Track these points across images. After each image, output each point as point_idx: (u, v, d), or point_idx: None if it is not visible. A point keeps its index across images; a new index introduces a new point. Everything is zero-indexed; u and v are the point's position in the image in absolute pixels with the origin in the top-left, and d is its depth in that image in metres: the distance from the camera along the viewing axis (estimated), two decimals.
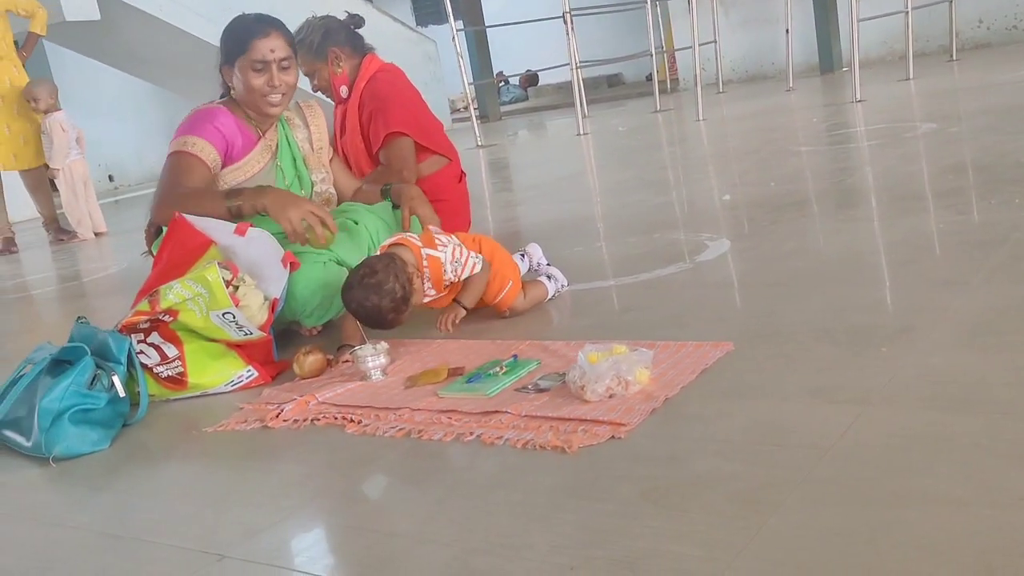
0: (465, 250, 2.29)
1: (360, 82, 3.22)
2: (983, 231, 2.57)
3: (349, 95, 3.23)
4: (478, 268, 2.28)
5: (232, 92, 2.68)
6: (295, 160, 2.78)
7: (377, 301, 2.15)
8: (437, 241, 2.27)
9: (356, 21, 3.31)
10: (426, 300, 2.29)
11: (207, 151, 2.58)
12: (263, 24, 2.62)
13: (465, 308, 2.29)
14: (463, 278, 2.28)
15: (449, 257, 2.25)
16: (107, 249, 5.83)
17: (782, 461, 1.39)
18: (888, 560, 1.11)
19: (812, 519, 1.22)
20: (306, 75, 3.24)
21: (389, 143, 3.14)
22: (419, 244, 2.25)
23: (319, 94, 3.31)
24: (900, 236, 2.70)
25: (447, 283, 2.27)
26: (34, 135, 6.22)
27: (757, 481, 1.34)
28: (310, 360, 2.18)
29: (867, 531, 1.17)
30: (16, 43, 6.30)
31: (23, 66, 6.27)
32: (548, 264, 2.63)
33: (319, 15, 3.29)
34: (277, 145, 2.75)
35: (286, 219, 2.38)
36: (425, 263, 2.23)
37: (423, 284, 2.25)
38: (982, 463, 1.29)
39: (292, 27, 3.24)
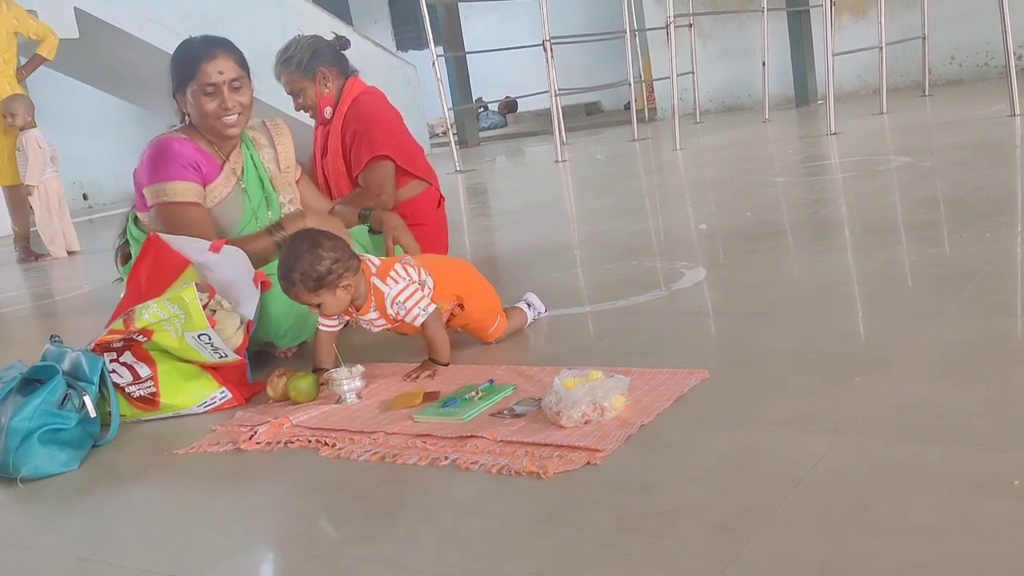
0: (418, 296, 2.19)
1: (343, 104, 3.22)
2: (955, 264, 2.61)
3: (333, 116, 3.23)
4: (419, 320, 2.19)
5: (188, 119, 2.62)
6: (262, 182, 2.72)
7: (304, 250, 2.08)
8: (393, 275, 2.19)
9: (343, 43, 3.32)
10: (377, 328, 2.27)
11: (191, 191, 2.53)
12: (210, 46, 2.55)
13: (443, 364, 2.20)
14: (405, 320, 2.20)
15: (394, 294, 2.17)
16: (80, 268, 5.77)
17: (757, 489, 1.39)
18: None
19: (786, 547, 1.22)
20: (290, 93, 3.24)
21: (370, 166, 3.14)
22: (372, 270, 2.21)
23: (302, 113, 3.30)
24: (874, 267, 2.73)
25: (392, 317, 2.21)
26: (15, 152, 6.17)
27: (732, 509, 1.34)
28: (283, 382, 2.16)
29: (841, 560, 1.17)
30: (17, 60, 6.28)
31: (20, 85, 6.23)
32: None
33: (307, 34, 3.30)
34: (243, 168, 2.69)
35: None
36: (372, 291, 2.19)
37: (362, 301, 2.19)
38: (955, 493, 1.30)
39: (278, 46, 3.25)
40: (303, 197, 2.83)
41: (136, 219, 2.70)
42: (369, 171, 3.15)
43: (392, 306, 2.18)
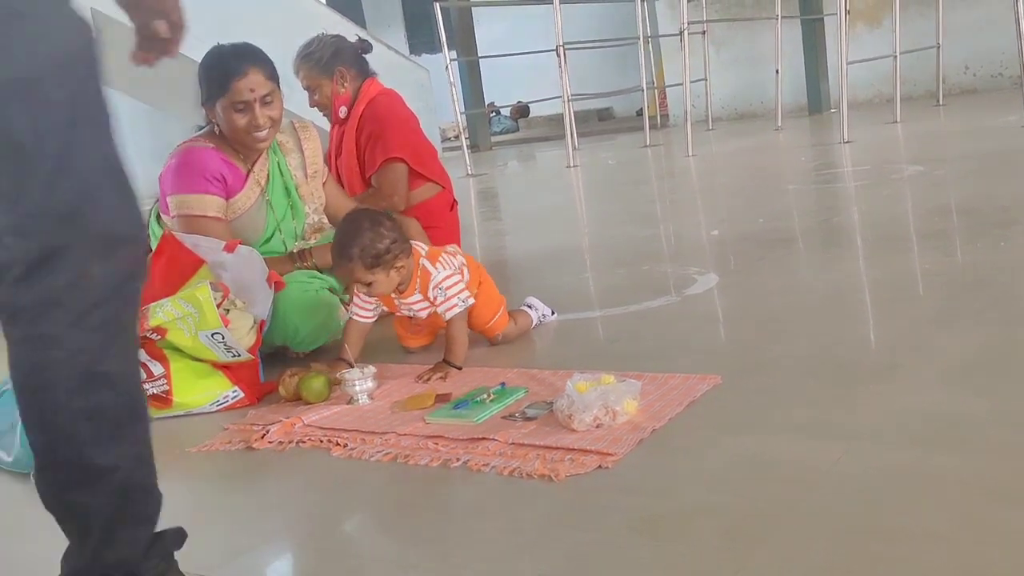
0: (460, 287, 2.24)
1: (360, 105, 3.23)
2: (968, 273, 2.60)
3: (348, 116, 3.25)
4: (456, 310, 2.22)
5: (216, 129, 2.62)
6: (288, 191, 2.72)
7: (365, 227, 2.13)
8: (442, 260, 2.27)
9: (364, 46, 3.35)
10: (419, 312, 2.28)
11: (213, 205, 2.55)
12: (240, 62, 2.52)
13: (457, 368, 2.21)
14: (439, 308, 2.23)
15: (440, 279, 2.23)
16: None
17: (769, 494, 1.39)
18: None
19: (799, 553, 1.22)
20: (306, 88, 3.26)
21: (384, 168, 3.15)
22: (421, 252, 2.26)
23: (315, 110, 3.32)
24: (886, 275, 2.72)
25: (431, 301, 2.25)
26: None
27: (744, 514, 1.34)
28: (295, 382, 2.17)
29: (853, 566, 1.17)
30: None
31: None
32: None
33: (330, 33, 3.33)
34: (268, 177, 2.68)
35: None
36: (419, 273, 2.23)
37: (407, 284, 2.22)
38: (968, 500, 1.30)
39: (293, 50, 3.27)
40: (329, 199, 2.84)
41: (159, 216, 2.71)
42: (382, 173, 3.16)
43: (433, 290, 2.21)
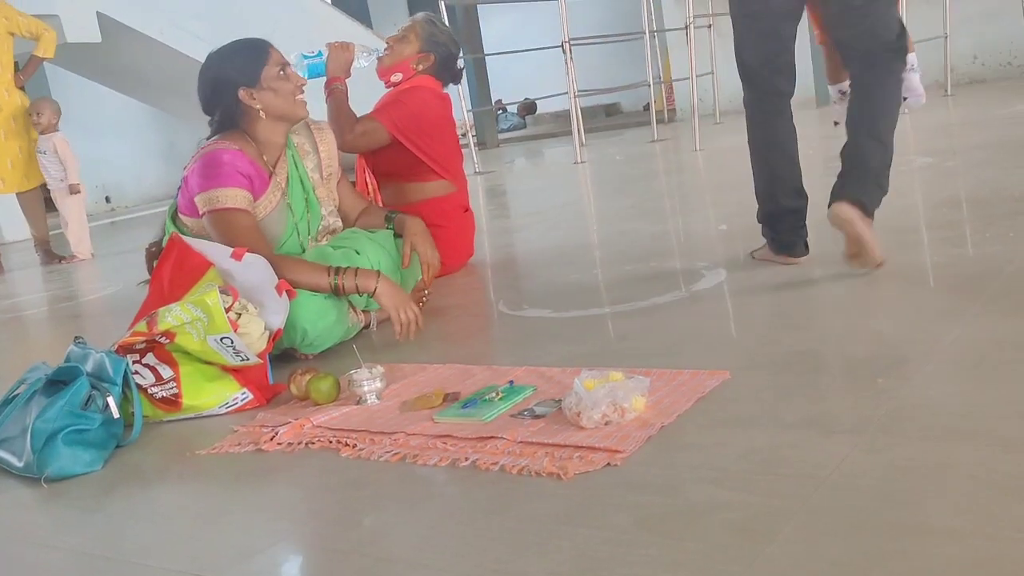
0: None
1: (404, 83, 3.41)
2: (978, 264, 2.58)
3: (394, 85, 3.45)
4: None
5: (261, 113, 2.58)
6: (306, 192, 2.72)
7: None
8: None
9: (457, 75, 3.58)
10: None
11: (241, 198, 2.52)
12: (260, 39, 2.66)
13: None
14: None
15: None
16: (102, 271, 5.82)
17: (778, 490, 1.39)
18: None
19: (809, 549, 1.22)
20: (393, 39, 3.48)
21: (365, 118, 3.29)
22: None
23: (375, 60, 3.46)
24: (895, 268, 2.71)
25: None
26: (23, 158, 6.15)
27: (753, 510, 1.34)
28: (306, 380, 2.16)
29: (864, 562, 1.16)
30: (16, 64, 6.27)
31: (23, 89, 6.23)
32: None
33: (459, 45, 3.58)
34: (287, 179, 2.68)
35: (395, 310, 2.46)
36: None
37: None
38: (980, 495, 1.29)
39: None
40: (342, 199, 2.86)
41: (175, 216, 2.71)
42: (362, 120, 3.28)
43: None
